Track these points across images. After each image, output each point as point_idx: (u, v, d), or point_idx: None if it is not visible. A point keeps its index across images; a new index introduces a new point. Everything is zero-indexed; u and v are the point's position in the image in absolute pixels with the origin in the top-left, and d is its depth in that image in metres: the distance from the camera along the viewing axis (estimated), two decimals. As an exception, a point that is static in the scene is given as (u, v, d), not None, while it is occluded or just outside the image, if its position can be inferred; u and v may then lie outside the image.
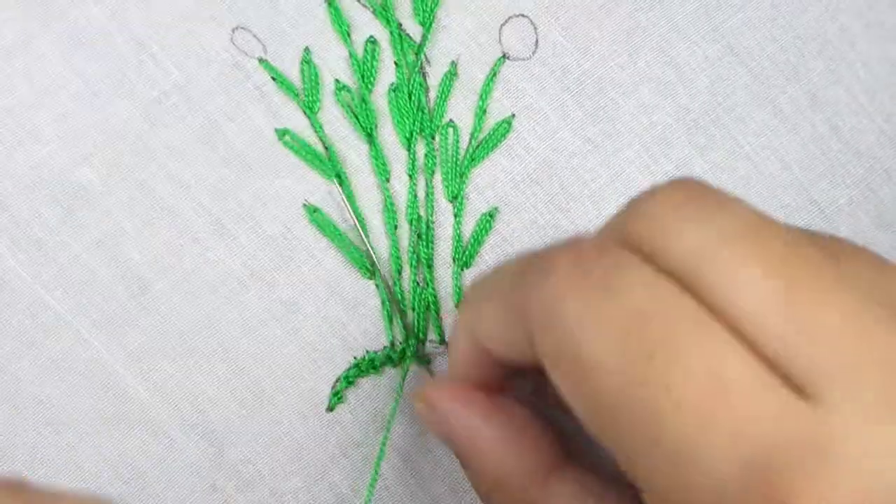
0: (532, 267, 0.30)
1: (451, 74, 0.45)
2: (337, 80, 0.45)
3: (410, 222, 0.45)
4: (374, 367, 0.44)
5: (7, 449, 0.43)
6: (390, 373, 0.44)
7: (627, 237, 0.27)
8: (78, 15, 0.43)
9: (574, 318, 0.26)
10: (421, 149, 0.45)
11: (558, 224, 0.45)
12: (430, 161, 0.45)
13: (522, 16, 0.45)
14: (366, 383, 0.44)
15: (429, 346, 0.44)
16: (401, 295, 0.44)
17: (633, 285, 0.26)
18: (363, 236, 0.44)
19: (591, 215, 0.45)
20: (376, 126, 0.45)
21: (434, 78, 0.45)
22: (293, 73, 0.44)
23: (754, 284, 0.26)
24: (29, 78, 0.43)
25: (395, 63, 0.45)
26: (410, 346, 0.44)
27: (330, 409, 0.44)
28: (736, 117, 0.46)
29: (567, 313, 0.27)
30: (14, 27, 0.43)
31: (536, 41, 0.45)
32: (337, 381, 0.44)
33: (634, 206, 0.28)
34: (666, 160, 0.46)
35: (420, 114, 0.45)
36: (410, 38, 0.45)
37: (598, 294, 0.26)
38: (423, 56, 0.45)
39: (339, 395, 0.44)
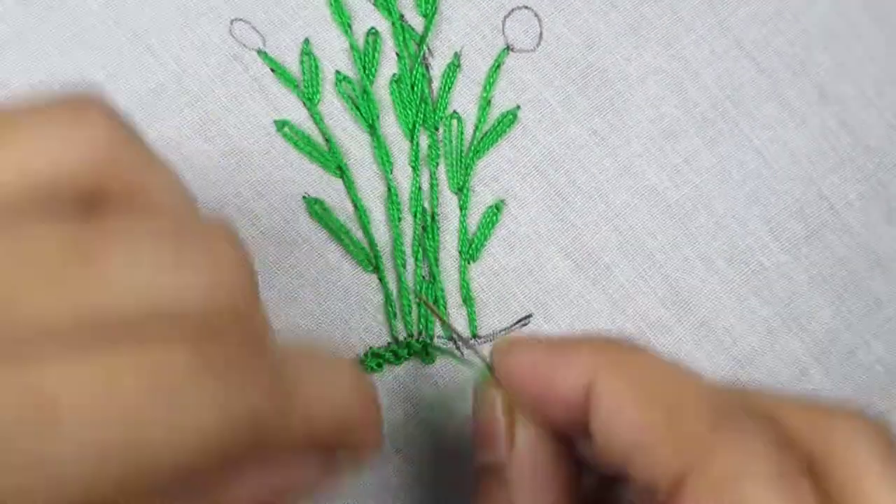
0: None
1: (455, 66, 0.44)
2: (338, 72, 0.44)
3: (414, 214, 0.43)
4: (378, 365, 0.43)
5: None
6: (393, 371, 0.43)
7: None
8: (75, 6, 0.42)
9: None
10: (424, 140, 0.44)
11: (566, 218, 0.44)
12: (434, 152, 0.44)
13: (526, 7, 0.45)
14: (368, 382, 0.43)
15: (436, 343, 0.43)
16: (405, 290, 0.43)
17: None
18: (365, 229, 0.43)
19: (599, 209, 0.44)
20: (378, 117, 0.44)
21: (437, 69, 0.44)
22: (293, 65, 0.43)
23: None
24: (24, 70, 0.42)
25: (397, 54, 0.44)
26: (414, 342, 0.43)
27: (331, 409, 0.43)
28: (744, 111, 0.45)
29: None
30: (9, 19, 0.42)
31: (541, 33, 0.45)
32: (338, 379, 0.43)
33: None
34: (674, 153, 0.45)
35: (423, 105, 0.44)
36: (412, 28, 0.44)
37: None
38: (425, 47, 0.44)
39: (340, 395, 0.42)
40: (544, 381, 0.34)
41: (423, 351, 0.43)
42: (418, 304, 0.43)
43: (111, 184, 0.27)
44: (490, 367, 0.35)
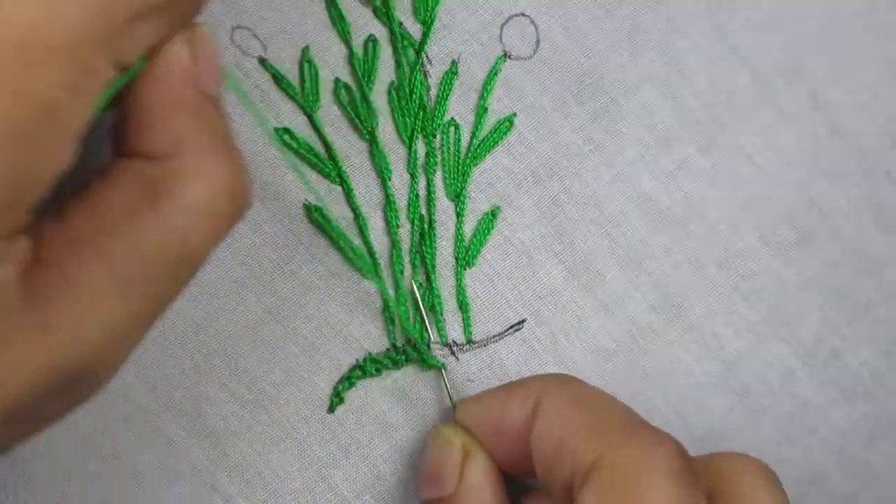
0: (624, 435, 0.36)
1: (452, 73, 0.45)
2: (337, 79, 0.44)
3: (412, 221, 0.44)
4: (377, 370, 0.44)
5: (5, 450, 0.43)
6: (392, 374, 0.44)
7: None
8: (77, 13, 0.43)
9: None
10: (422, 147, 0.45)
11: (560, 224, 0.45)
12: (432, 159, 0.45)
13: (523, 15, 0.45)
14: (366, 384, 0.44)
15: (432, 348, 0.44)
16: (402, 296, 0.44)
17: None
18: (364, 236, 0.44)
19: (592, 215, 0.45)
20: (377, 125, 0.44)
21: (435, 77, 0.45)
22: (293, 73, 0.44)
23: None
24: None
25: (396, 62, 0.45)
26: (411, 349, 0.44)
27: (331, 409, 0.44)
28: (737, 117, 0.46)
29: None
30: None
31: (538, 40, 0.45)
32: (338, 382, 0.44)
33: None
34: (667, 160, 0.46)
35: (421, 112, 0.44)
36: (411, 36, 0.45)
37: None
38: (423, 54, 0.45)
39: (340, 397, 0.44)
40: (499, 412, 0.40)
41: (421, 358, 0.44)
42: (416, 311, 0.44)
43: None
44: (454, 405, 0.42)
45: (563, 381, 0.40)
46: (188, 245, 0.31)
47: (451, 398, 0.43)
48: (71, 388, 0.30)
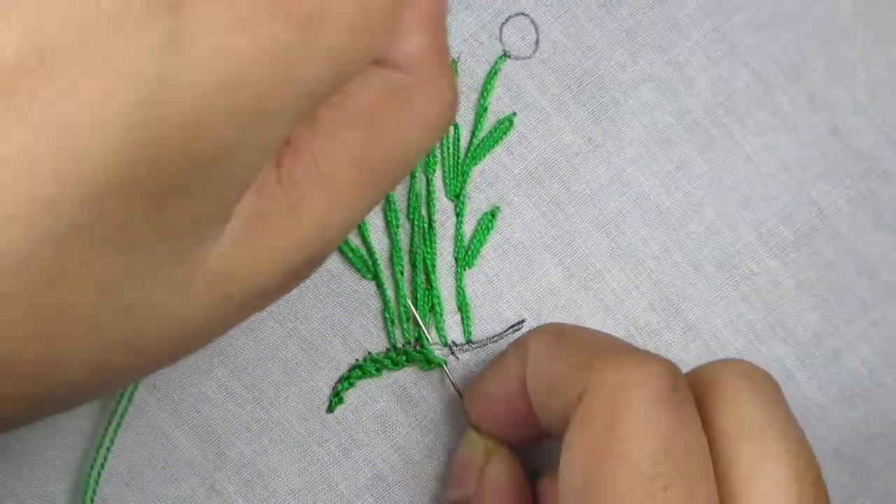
0: (612, 363, 0.34)
1: (452, 72, 0.45)
2: (337, 79, 0.44)
3: (412, 221, 0.44)
4: (377, 370, 0.44)
5: (2, 448, 0.43)
6: (392, 374, 0.44)
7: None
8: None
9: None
10: (422, 148, 0.45)
11: (559, 224, 0.45)
12: (431, 159, 0.45)
13: (523, 14, 0.45)
14: (366, 384, 0.44)
15: (432, 349, 0.44)
16: (402, 297, 0.44)
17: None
18: (364, 236, 0.44)
19: (592, 215, 0.45)
20: (377, 125, 0.44)
21: (435, 76, 0.45)
22: (293, 71, 0.44)
23: None
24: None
25: (396, 61, 0.45)
26: (412, 349, 0.44)
27: (330, 409, 0.44)
28: (736, 117, 0.46)
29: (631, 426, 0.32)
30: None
31: (537, 40, 0.45)
32: (338, 382, 0.44)
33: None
34: (666, 160, 0.46)
35: (421, 112, 0.44)
36: (411, 36, 0.45)
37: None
38: (423, 54, 0.45)
39: (339, 397, 0.44)
40: (500, 377, 0.39)
41: (423, 358, 0.44)
42: (416, 310, 0.44)
43: None
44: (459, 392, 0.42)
45: (546, 325, 0.40)
46: (412, 153, 0.33)
47: (457, 390, 0.43)
48: (305, 271, 0.32)
